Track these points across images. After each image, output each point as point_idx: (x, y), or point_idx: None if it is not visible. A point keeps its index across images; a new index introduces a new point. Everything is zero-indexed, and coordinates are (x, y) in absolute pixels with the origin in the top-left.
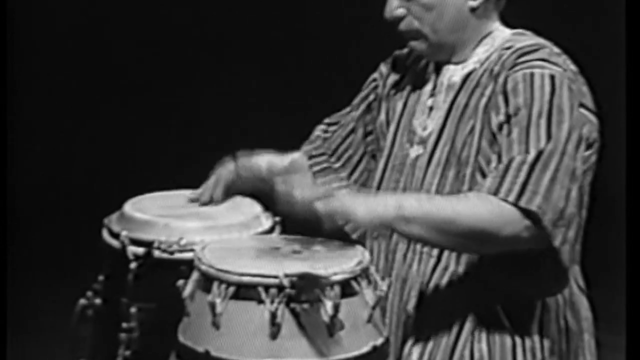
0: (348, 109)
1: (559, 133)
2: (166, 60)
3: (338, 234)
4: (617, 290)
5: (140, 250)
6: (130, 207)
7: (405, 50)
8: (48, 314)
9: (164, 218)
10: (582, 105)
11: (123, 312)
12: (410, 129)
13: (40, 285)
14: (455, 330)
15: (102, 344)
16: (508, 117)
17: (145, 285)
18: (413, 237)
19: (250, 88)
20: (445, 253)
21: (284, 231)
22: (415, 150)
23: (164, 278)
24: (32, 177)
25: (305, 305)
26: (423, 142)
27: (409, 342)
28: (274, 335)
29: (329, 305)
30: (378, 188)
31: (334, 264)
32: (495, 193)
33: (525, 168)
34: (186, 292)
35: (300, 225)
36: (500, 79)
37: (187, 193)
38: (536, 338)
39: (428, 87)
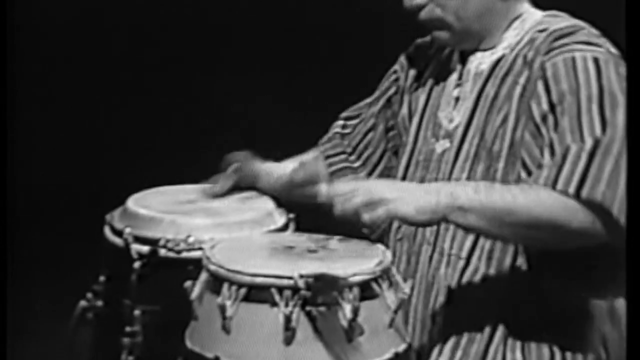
0: (368, 100)
1: (615, 118)
2: (168, 56)
3: (358, 231)
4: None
5: (145, 248)
6: (134, 202)
7: (427, 39)
8: (45, 316)
9: (169, 214)
10: None
11: (126, 315)
12: (435, 122)
13: (37, 286)
14: (485, 338)
15: (103, 349)
16: (552, 106)
17: (150, 286)
18: (470, 229)
19: (257, 81)
20: (475, 254)
21: (298, 228)
22: (441, 145)
23: (169, 279)
24: (31, 173)
25: (322, 309)
26: (449, 135)
27: (435, 350)
28: (288, 341)
29: (347, 308)
30: None
31: (352, 264)
32: (554, 185)
33: (584, 157)
34: (194, 294)
35: (316, 222)
36: (536, 65)
37: (194, 188)
38: (576, 348)
39: (453, 77)
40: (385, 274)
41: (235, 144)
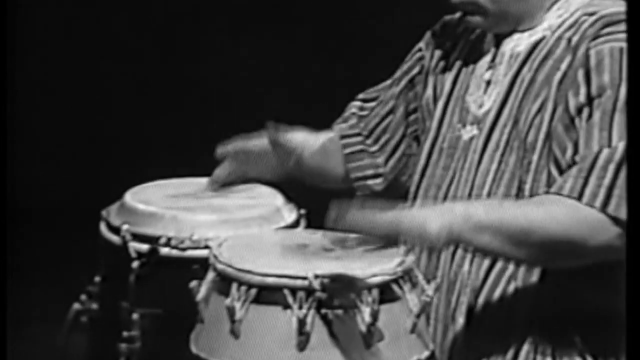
0: (388, 82)
1: None
2: (168, 51)
3: None
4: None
5: (144, 247)
6: (132, 196)
7: (456, 15)
8: (37, 321)
9: (171, 210)
10: None
11: (123, 319)
12: (462, 107)
13: (33, 286)
14: (514, 344)
15: (98, 356)
16: (590, 99)
17: (150, 288)
18: (484, 250)
19: (257, 75)
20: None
21: (309, 225)
22: (468, 132)
23: (172, 279)
24: (26, 169)
25: (339, 312)
26: (478, 122)
27: (458, 357)
28: (302, 346)
29: (366, 311)
30: (422, 175)
31: (372, 263)
32: (579, 197)
33: (612, 168)
34: (200, 295)
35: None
36: (580, 51)
37: (197, 182)
38: (609, 353)
39: (486, 58)
40: (407, 275)
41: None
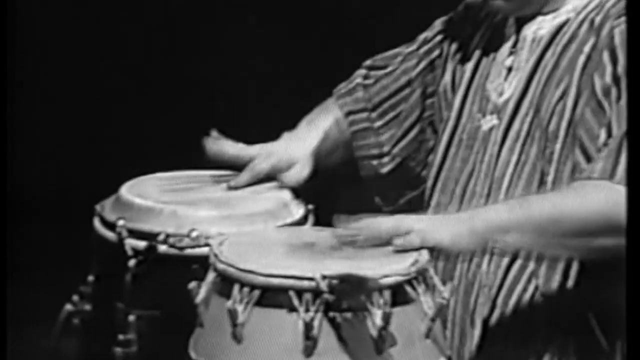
0: (399, 50)
1: None
2: (165, 44)
3: None
4: None
5: (141, 244)
6: (128, 190)
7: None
8: (27, 322)
9: (169, 204)
10: None
11: (119, 321)
12: (482, 95)
13: (29, 286)
14: (537, 347)
15: None
16: (616, 79)
17: (147, 288)
18: (516, 250)
19: (256, 70)
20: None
21: (318, 222)
22: (488, 121)
23: (170, 279)
24: (20, 167)
25: (348, 315)
26: (498, 111)
27: None
28: (308, 352)
29: (377, 315)
30: (440, 168)
31: (383, 263)
32: (611, 177)
33: None
34: (199, 297)
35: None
36: (604, 31)
37: (198, 174)
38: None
39: (507, 44)
40: (421, 276)
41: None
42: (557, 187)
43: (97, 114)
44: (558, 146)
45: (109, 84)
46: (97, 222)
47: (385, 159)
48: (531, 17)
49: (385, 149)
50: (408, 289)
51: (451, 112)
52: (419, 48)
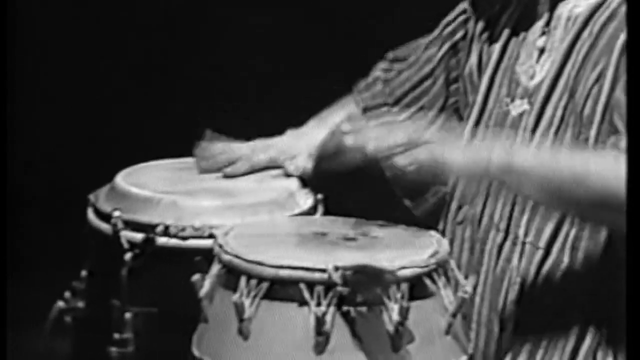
0: (423, 40)
1: None
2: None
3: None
4: None
5: (138, 236)
6: (124, 179)
7: None
8: (27, 322)
9: (169, 194)
10: None
11: (114, 319)
12: (511, 78)
13: (29, 285)
14: (569, 348)
15: None
16: None
17: (145, 283)
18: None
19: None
20: (557, 244)
21: (327, 212)
22: (517, 106)
23: (170, 273)
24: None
25: (362, 309)
26: (529, 95)
27: None
28: (320, 348)
29: (393, 309)
30: None
31: (400, 254)
32: None
33: None
34: (203, 290)
35: (349, 205)
36: None
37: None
38: None
39: (539, 22)
40: (441, 268)
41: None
42: None
43: (96, 112)
44: (593, 132)
45: (109, 82)
46: (90, 213)
47: None
48: None
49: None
50: (427, 281)
51: (477, 96)
52: (441, 32)
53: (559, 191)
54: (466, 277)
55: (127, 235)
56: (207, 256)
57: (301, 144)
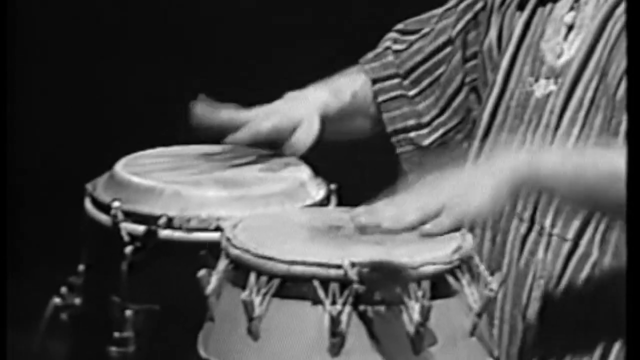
0: (436, 11)
1: None
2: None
3: None
4: None
5: (140, 228)
6: (124, 167)
7: None
8: (27, 322)
9: (172, 184)
10: None
11: (114, 317)
12: (535, 56)
13: (29, 284)
14: (599, 349)
15: None
16: None
17: (146, 279)
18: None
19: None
20: (586, 236)
21: (341, 203)
22: (542, 87)
23: (172, 269)
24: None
25: (381, 308)
26: (556, 75)
27: None
28: (335, 350)
29: (414, 308)
30: (484, 140)
31: (421, 249)
32: None
33: None
34: (209, 287)
35: (364, 195)
36: None
37: (205, 149)
38: None
39: None
40: (465, 264)
41: None
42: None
43: (95, 106)
44: (626, 116)
45: (108, 81)
46: (88, 204)
47: (425, 130)
48: None
49: (425, 119)
50: (450, 279)
51: (497, 74)
52: (458, 3)
53: (592, 191)
54: (492, 274)
55: (127, 227)
56: (213, 250)
57: (303, 108)
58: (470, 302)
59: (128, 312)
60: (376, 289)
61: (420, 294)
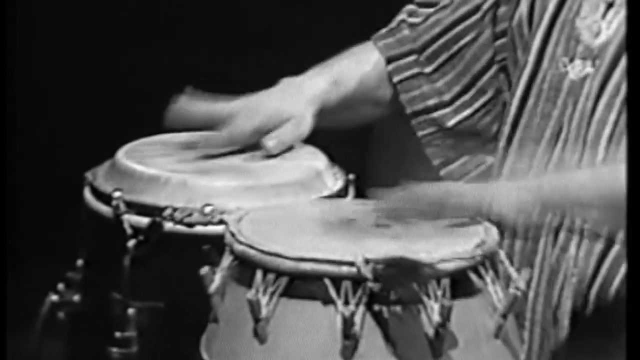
0: None
1: None
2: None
3: None
4: None
5: (143, 220)
6: (127, 155)
7: None
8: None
9: (178, 173)
10: None
11: (115, 315)
12: (570, 35)
13: (29, 283)
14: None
15: None
16: None
17: (150, 275)
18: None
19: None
20: (621, 232)
21: (359, 194)
22: (578, 68)
23: (177, 264)
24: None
25: (397, 308)
26: (593, 56)
27: None
28: (348, 353)
29: (433, 308)
30: (515, 125)
31: (441, 244)
32: None
33: None
34: (213, 285)
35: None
36: None
37: (214, 136)
38: None
39: None
40: (488, 260)
41: None
42: None
43: (94, 99)
44: None
45: (108, 79)
46: (88, 194)
47: (448, 110)
48: None
49: (446, 97)
50: (472, 276)
51: (529, 55)
52: None
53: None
54: (519, 271)
55: (130, 219)
56: (218, 245)
57: (293, 104)
58: (494, 302)
59: (130, 310)
60: (392, 287)
61: (439, 292)
